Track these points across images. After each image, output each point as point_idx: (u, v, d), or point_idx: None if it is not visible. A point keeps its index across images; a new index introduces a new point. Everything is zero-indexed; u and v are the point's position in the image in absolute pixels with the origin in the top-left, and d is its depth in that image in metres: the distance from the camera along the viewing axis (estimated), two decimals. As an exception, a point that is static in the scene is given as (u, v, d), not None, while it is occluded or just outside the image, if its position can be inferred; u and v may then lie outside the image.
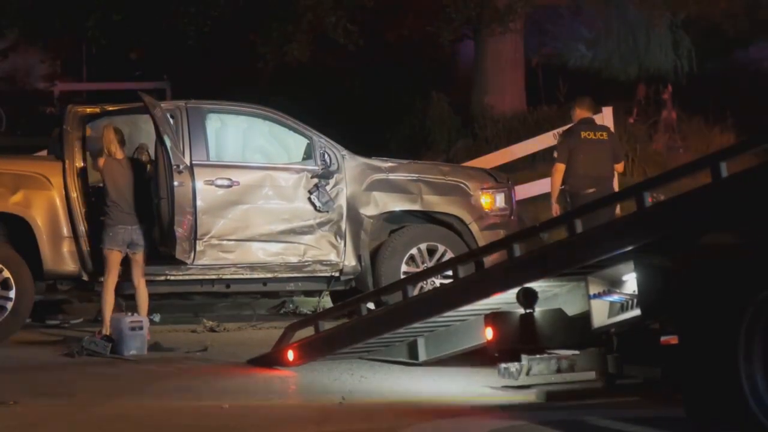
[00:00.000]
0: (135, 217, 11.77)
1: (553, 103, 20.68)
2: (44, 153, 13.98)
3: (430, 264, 12.73)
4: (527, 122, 19.68)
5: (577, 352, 8.93)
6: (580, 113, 13.65)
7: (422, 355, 10.32)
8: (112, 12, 20.41)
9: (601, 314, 8.51)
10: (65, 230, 12.13)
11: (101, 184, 12.04)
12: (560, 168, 13.18)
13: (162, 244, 11.84)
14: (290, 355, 10.35)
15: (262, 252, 12.50)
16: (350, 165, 12.84)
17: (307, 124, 12.91)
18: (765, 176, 6.96)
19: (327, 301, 13.89)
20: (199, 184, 12.17)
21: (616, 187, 13.97)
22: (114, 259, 11.75)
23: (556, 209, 13.12)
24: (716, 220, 7.13)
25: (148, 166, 12.16)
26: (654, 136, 20.00)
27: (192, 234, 11.99)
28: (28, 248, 12.04)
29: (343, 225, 12.69)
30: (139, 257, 11.79)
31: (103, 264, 11.84)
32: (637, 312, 8.10)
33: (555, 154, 13.45)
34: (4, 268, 11.88)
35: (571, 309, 8.95)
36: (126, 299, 12.42)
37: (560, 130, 17.29)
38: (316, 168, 12.70)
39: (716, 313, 6.98)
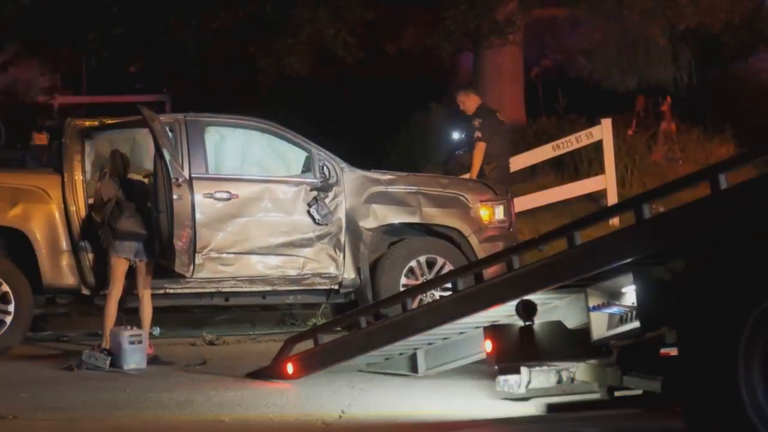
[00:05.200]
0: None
1: (552, 115, 20.70)
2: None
3: (430, 276, 12.72)
4: (526, 134, 19.67)
5: (576, 364, 8.92)
6: (477, 99, 15.23)
7: (422, 368, 10.30)
8: (112, 25, 20.43)
9: (600, 326, 8.49)
10: (64, 244, 12.12)
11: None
12: (484, 147, 14.75)
13: (161, 257, 11.83)
14: (290, 368, 10.33)
15: (261, 265, 12.49)
16: (349, 178, 12.84)
17: (306, 137, 12.91)
18: (764, 188, 6.95)
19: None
20: (198, 197, 12.16)
21: None
22: (120, 267, 11.72)
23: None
24: (715, 233, 7.12)
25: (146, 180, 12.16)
26: (653, 148, 20.02)
27: (191, 247, 11.97)
28: (27, 262, 12.04)
29: (343, 238, 12.68)
30: (143, 265, 11.76)
31: (108, 274, 11.80)
32: (636, 324, 8.07)
33: (478, 134, 14.78)
34: (3, 281, 11.88)
35: (571, 321, 8.92)
36: (126, 313, 12.39)
37: (557, 142, 17.64)
38: (315, 181, 12.69)
39: (716, 325, 6.96)
